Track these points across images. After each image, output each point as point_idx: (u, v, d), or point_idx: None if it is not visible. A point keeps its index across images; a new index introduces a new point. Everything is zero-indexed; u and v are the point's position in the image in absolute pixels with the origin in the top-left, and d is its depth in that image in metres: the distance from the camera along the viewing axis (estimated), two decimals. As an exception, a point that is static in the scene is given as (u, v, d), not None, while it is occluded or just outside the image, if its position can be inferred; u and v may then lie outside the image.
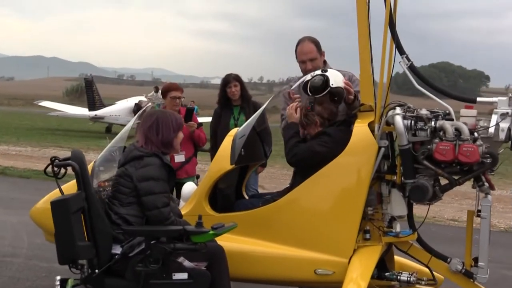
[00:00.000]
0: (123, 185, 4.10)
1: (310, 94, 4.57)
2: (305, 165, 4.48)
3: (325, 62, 5.25)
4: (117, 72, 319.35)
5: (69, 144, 21.19)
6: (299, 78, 5.22)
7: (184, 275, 3.94)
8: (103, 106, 29.44)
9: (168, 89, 6.65)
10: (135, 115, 27.87)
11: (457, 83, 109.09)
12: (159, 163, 4.10)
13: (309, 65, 5.12)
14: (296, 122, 4.62)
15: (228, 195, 4.90)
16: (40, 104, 36.30)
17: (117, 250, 3.96)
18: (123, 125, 28.56)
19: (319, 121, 4.58)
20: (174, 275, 3.93)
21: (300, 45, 5.18)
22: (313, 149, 4.40)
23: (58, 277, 4.12)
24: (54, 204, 3.84)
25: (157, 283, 3.89)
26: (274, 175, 13.95)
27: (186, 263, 4.01)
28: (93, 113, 28.40)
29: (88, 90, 29.51)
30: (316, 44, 5.17)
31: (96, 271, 3.84)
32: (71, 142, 22.13)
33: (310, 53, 5.12)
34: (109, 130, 28.87)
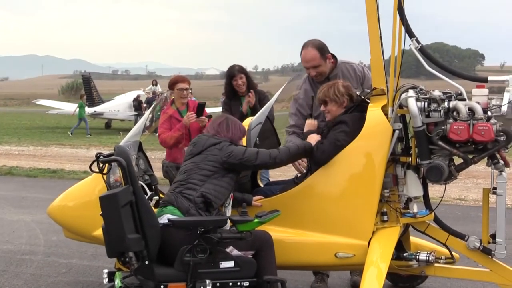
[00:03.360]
0: (205, 169, 4.28)
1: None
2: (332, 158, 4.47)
3: (335, 57, 5.21)
4: (111, 68, 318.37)
5: (70, 142, 21.20)
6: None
7: (230, 263, 4.03)
8: (101, 102, 29.37)
9: (175, 82, 6.59)
10: (135, 109, 27.94)
11: (452, 63, 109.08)
12: (233, 145, 4.39)
13: (313, 72, 5.12)
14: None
15: (245, 184, 4.95)
16: (38, 103, 36.22)
17: None
18: (123, 120, 28.65)
19: (347, 102, 4.65)
20: (221, 263, 4.01)
21: (303, 52, 5.11)
22: (337, 142, 4.43)
23: (106, 270, 4.23)
24: (104, 199, 3.88)
25: (205, 272, 3.97)
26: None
27: (235, 252, 4.09)
28: (92, 109, 28.33)
29: (86, 86, 29.41)
30: (320, 49, 5.07)
31: (146, 262, 3.90)
32: (72, 140, 22.13)
33: (312, 60, 5.06)
34: (109, 125, 28.82)
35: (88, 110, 28.59)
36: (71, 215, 5.12)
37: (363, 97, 4.66)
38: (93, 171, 4.28)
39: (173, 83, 6.59)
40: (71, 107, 33.31)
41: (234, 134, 4.47)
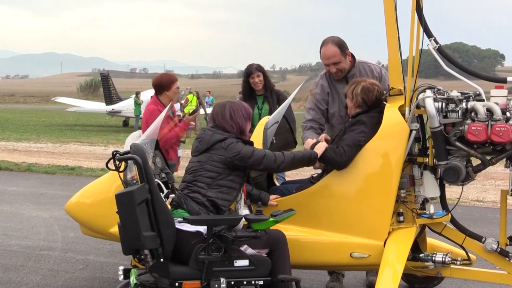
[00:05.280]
0: (210, 170, 4.21)
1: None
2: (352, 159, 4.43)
3: (353, 56, 5.20)
4: (129, 66, 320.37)
5: (88, 139, 21.40)
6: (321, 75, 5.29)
7: (245, 262, 4.02)
8: (119, 100, 29.58)
9: (174, 80, 6.28)
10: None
11: (471, 64, 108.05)
12: (241, 142, 4.26)
13: (333, 68, 5.10)
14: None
15: (261, 183, 4.96)
16: (57, 100, 36.60)
17: (202, 229, 4.02)
18: (141, 118, 28.83)
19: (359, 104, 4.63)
20: (236, 262, 4.01)
21: (323, 49, 5.08)
22: (357, 142, 4.42)
23: (121, 267, 4.27)
24: (120, 196, 3.90)
25: (220, 270, 3.96)
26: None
27: (249, 250, 4.08)
28: (110, 107, 28.54)
29: (105, 84, 29.67)
30: (340, 46, 5.05)
31: (161, 260, 3.91)
32: (90, 137, 22.34)
33: (333, 57, 5.05)
34: (126, 123, 29.03)
35: (106, 108, 28.81)
36: (88, 212, 5.17)
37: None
38: (109, 169, 4.32)
39: (171, 82, 6.26)
40: (91, 105, 33.66)
41: (240, 124, 4.35)
